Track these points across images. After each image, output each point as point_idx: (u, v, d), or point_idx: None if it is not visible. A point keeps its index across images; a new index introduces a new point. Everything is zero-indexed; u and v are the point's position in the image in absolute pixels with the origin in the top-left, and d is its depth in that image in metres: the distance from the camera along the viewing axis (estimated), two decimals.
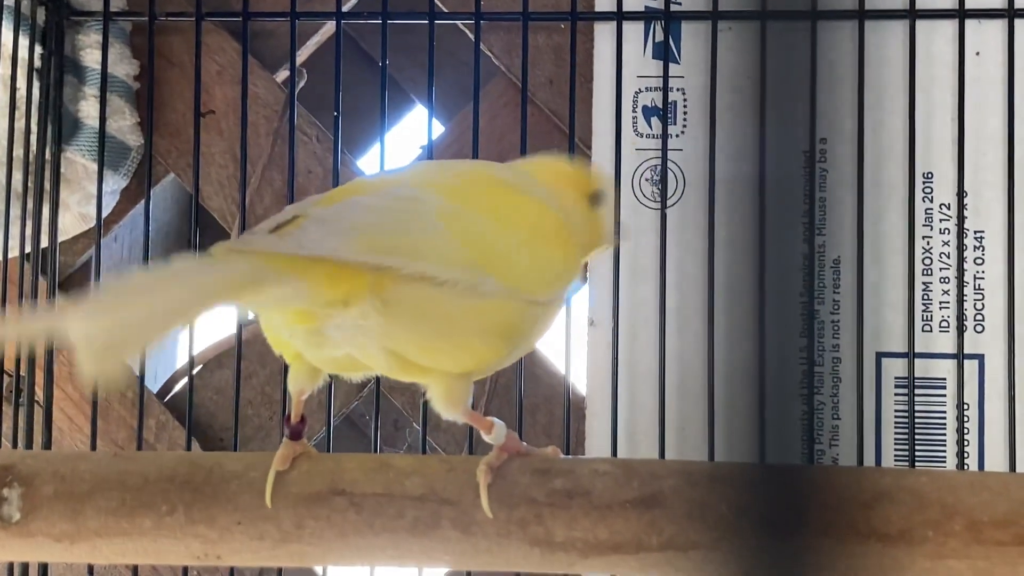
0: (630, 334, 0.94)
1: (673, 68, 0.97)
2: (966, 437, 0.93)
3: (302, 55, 1.05)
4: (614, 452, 0.91)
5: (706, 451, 0.88)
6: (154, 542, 0.66)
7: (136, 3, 1.03)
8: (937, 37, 0.96)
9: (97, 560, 0.70)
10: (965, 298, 0.94)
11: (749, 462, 0.78)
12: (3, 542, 0.67)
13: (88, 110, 1.00)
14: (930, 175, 0.95)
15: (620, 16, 0.96)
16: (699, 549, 0.64)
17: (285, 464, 0.66)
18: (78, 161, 1.00)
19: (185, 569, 0.97)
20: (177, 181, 1.07)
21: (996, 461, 0.92)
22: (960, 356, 0.92)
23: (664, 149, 0.95)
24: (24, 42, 0.97)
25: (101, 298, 0.54)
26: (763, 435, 0.95)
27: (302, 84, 1.02)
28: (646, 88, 0.97)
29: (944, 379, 0.94)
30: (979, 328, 0.94)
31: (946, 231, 0.95)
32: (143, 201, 0.99)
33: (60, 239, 1.00)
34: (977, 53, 0.95)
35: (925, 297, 0.94)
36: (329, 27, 1.06)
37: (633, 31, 0.97)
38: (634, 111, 0.97)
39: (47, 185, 0.98)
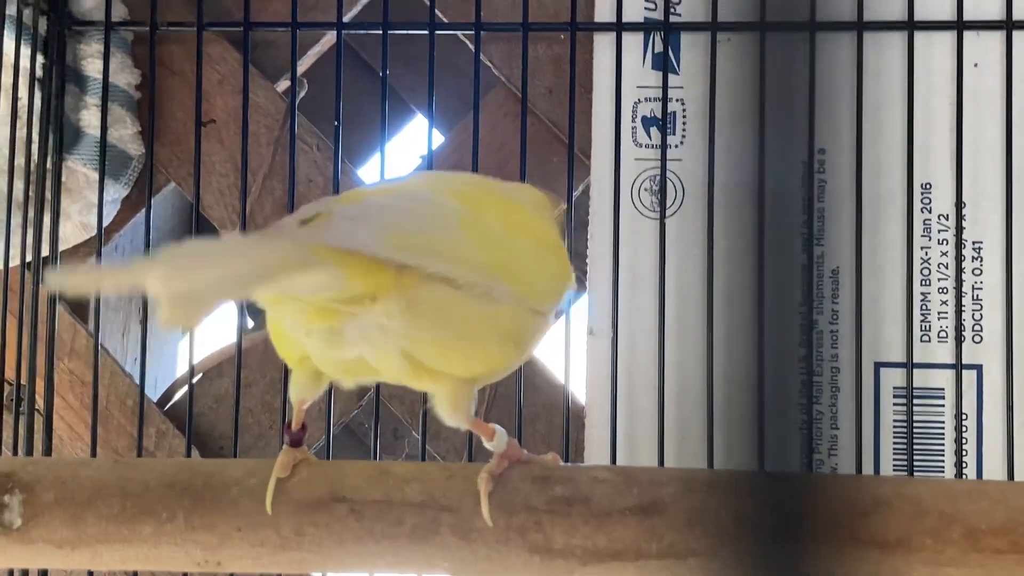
0: (629, 343, 0.94)
1: (672, 78, 0.97)
2: (964, 447, 0.93)
3: (303, 65, 1.06)
4: (613, 460, 0.91)
5: (705, 459, 0.88)
6: (154, 548, 0.67)
7: (138, 12, 1.03)
8: (935, 48, 0.96)
9: (98, 567, 0.70)
10: (963, 308, 0.94)
11: (748, 470, 0.78)
12: (4, 548, 0.67)
13: (89, 119, 1.01)
14: (928, 186, 0.95)
15: (620, 27, 0.96)
16: (698, 556, 0.64)
17: (286, 471, 0.67)
18: (79, 170, 1.01)
19: (185, 575, 0.97)
20: (178, 190, 1.08)
21: (994, 471, 0.93)
22: (958, 366, 0.93)
23: (663, 159, 0.96)
24: (26, 51, 0.98)
25: (172, 258, 0.54)
26: (762, 443, 0.95)
27: (303, 94, 1.02)
28: (645, 98, 0.98)
29: (943, 389, 0.94)
30: (977, 338, 0.94)
31: (944, 241, 0.95)
32: (144, 210, 1.00)
33: (61, 248, 1.00)
34: (975, 64, 0.95)
35: (923, 307, 0.94)
36: (330, 37, 1.06)
37: (633, 42, 0.98)
38: (633, 121, 0.97)
39: (48, 194, 0.98)
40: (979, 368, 0.94)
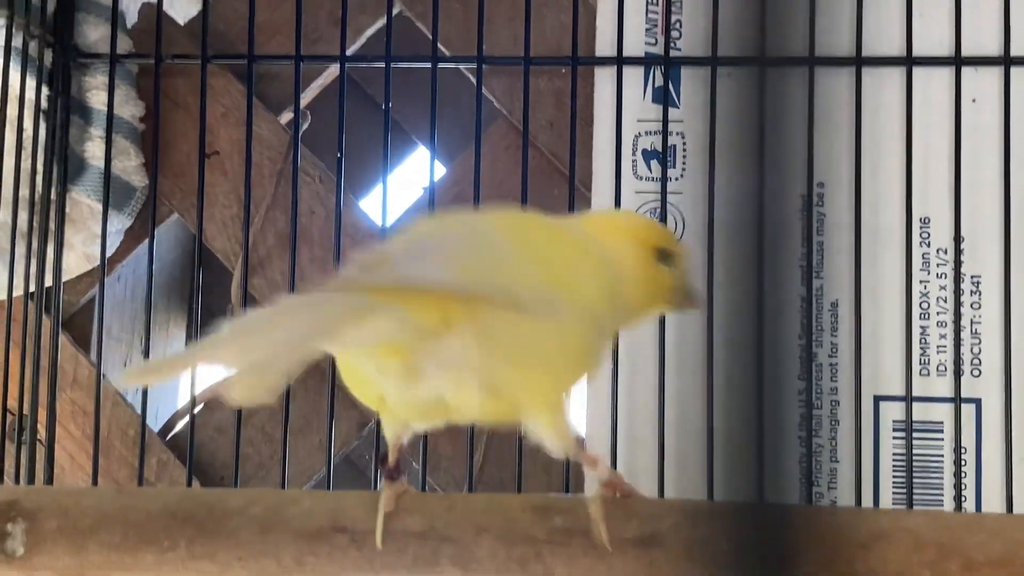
0: (629, 375, 0.95)
1: (672, 112, 0.98)
2: (964, 481, 0.93)
3: (306, 97, 1.06)
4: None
5: (705, 491, 0.88)
6: None
7: (142, 45, 1.04)
8: (934, 84, 0.97)
9: None
10: (962, 342, 0.94)
11: (748, 502, 0.78)
12: None
13: (94, 151, 1.01)
14: (927, 220, 0.96)
15: (620, 61, 0.97)
16: None
17: (391, 505, 0.67)
18: (83, 201, 1.01)
19: None
20: (181, 221, 1.08)
21: (994, 504, 0.93)
22: (957, 400, 0.93)
23: (663, 192, 0.96)
24: (31, 83, 0.98)
25: (235, 332, 0.55)
26: (762, 475, 0.95)
27: (306, 126, 1.03)
28: (646, 132, 0.98)
29: (941, 423, 0.94)
30: (976, 372, 0.95)
31: (943, 275, 0.96)
32: (147, 241, 1.00)
33: (64, 278, 1.00)
34: (973, 100, 0.96)
35: (922, 341, 0.95)
36: (333, 70, 1.07)
37: (633, 76, 0.98)
38: (634, 154, 0.98)
39: (52, 225, 0.99)
40: (978, 402, 0.94)
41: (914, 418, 0.92)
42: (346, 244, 1.00)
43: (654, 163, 0.98)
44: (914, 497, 0.92)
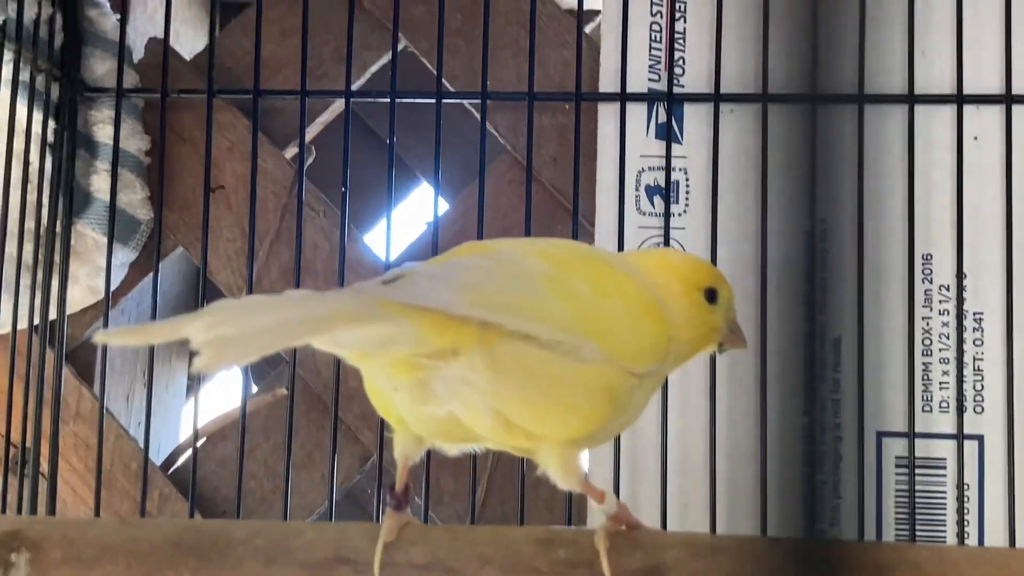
0: None
1: (676, 148, 0.98)
2: (966, 517, 0.93)
3: (311, 132, 1.07)
4: None
5: (708, 525, 0.88)
6: None
7: (149, 80, 1.05)
8: (936, 121, 0.97)
9: None
10: (964, 379, 0.94)
11: (751, 535, 0.79)
12: None
13: (99, 184, 1.02)
14: (929, 257, 0.96)
15: (624, 97, 0.98)
16: None
17: (392, 536, 0.66)
18: (88, 234, 1.01)
19: None
20: (185, 255, 1.08)
21: (996, 541, 0.92)
22: (960, 436, 0.93)
23: (666, 227, 0.96)
24: (38, 117, 0.99)
25: (223, 309, 0.55)
26: (765, 509, 0.95)
27: (310, 160, 1.03)
28: (649, 167, 0.99)
29: (944, 459, 0.94)
30: (979, 409, 0.95)
31: (945, 312, 0.96)
32: (151, 274, 1.00)
33: (69, 311, 1.01)
34: (975, 137, 0.96)
35: (925, 377, 0.95)
36: (338, 105, 1.07)
37: (636, 112, 0.99)
38: (637, 190, 0.98)
39: (57, 257, 0.99)
40: (980, 438, 0.94)
41: (917, 454, 0.92)
42: (350, 278, 1.00)
43: (657, 198, 0.98)
44: (917, 533, 0.92)
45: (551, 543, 0.66)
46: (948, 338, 0.95)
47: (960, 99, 0.96)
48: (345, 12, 1.00)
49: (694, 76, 0.99)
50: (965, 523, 0.93)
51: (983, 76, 0.97)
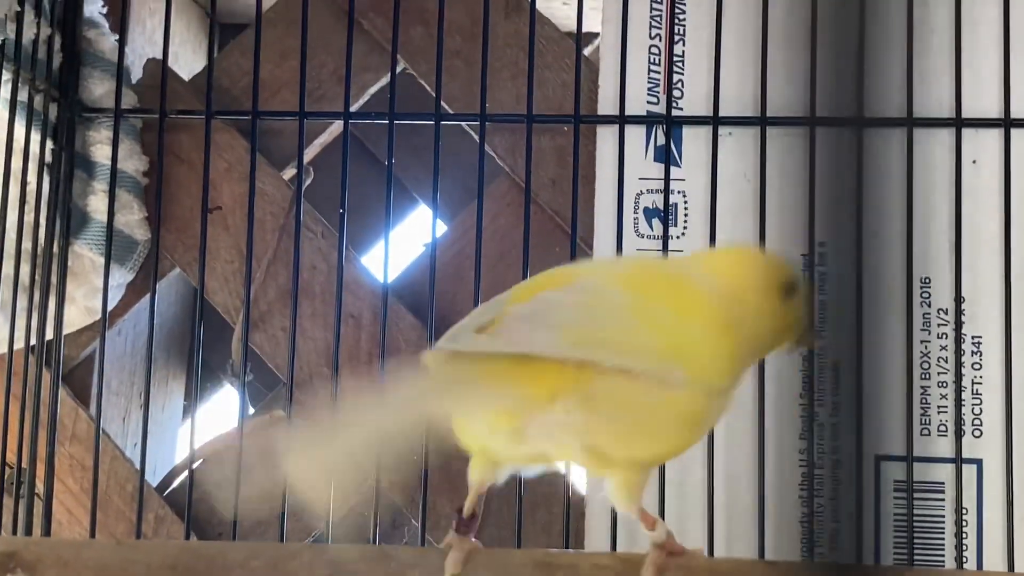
0: None
1: (674, 171, 0.98)
2: (965, 541, 0.93)
3: (309, 153, 1.07)
4: (614, 550, 0.90)
5: (706, 549, 0.88)
6: None
7: (147, 100, 1.05)
8: (934, 145, 0.97)
9: None
10: (963, 403, 0.94)
11: (748, 558, 0.78)
12: None
13: (96, 204, 1.02)
14: (928, 280, 0.96)
15: (622, 119, 0.98)
16: None
17: (458, 569, 0.66)
18: (85, 255, 1.01)
19: None
20: (182, 276, 1.08)
21: (995, 564, 0.92)
22: (958, 460, 0.92)
23: (665, 250, 0.96)
24: (36, 137, 0.99)
25: (322, 428, 0.57)
26: (763, 533, 0.94)
27: (309, 182, 1.03)
28: (647, 190, 0.99)
29: (943, 483, 0.94)
30: (977, 433, 0.94)
31: (944, 336, 0.95)
32: (148, 295, 1.00)
33: (65, 332, 1.00)
34: (974, 161, 0.96)
35: (923, 401, 0.95)
36: (336, 127, 1.07)
37: (635, 134, 0.99)
38: (635, 212, 0.98)
39: (54, 278, 0.99)
40: (979, 462, 0.94)
41: (915, 478, 0.92)
42: (347, 300, 1.00)
43: (655, 221, 0.98)
44: (915, 557, 0.92)
45: (550, 566, 0.66)
46: (947, 362, 0.95)
47: (959, 122, 0.96)
48: (344, 34, 1.00)
49: (693, 99, 0.99)
50: (964, 547, 0.93)
51: (981, 99, 0.97)
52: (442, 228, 1.08)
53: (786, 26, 0.97)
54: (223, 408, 1.24)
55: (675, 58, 1.00)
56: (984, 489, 0.94)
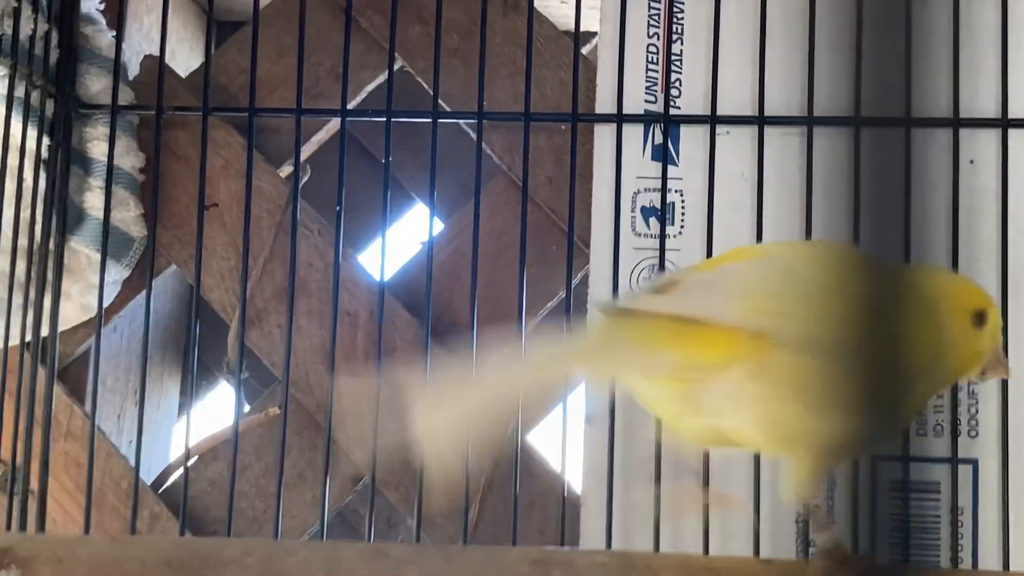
0: (626, 432, 0.94)
1: (672, 170, 0.98)
2: (960, 541, 0.93)
3: (306, 151, 1.07)
4: (609, 547, 0.90)
5: (701, 545, 0.88)
6: None
7: (144, 97, 1.04)
8: (932, 145, 0.97)
9: None
10: (959, 403, 0.94)
11: (744, 556, 0.78)
12: None
13: (93, 201, 1.01)
14: None
15: (620, 118, 0.98)
16: None
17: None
18: (81, 251, 1.01)
19: None
20: (178, 273, 1.08)
21: (990, 564, 0.92)
22: (954, 461, 0.92)
23: (662, 249, 0.96)
24: (32, 133, 0.98)
25: (458, 383, 0.57)
26: (758, 531, 0.94)
27: (305, 179, 1.03)
28: (645, 189, 0.99)
29: (938, 483, 0.94)
30: (973, 433, 0.94)
31: None
32: (144, 292, 1.00)
33: (61, 328, 1.00)
34: (971, 161, 0.96)
35: None
36: (333, 124, 1.07)
37: (633, 133, 0.99)
38: (633, 211, 0.98)
39: (49, 274, 0.99)
40: (975, 463, 0.94)
41: (911, 478, 0.92)
42: (344, 298, 1.00)
43: (653, 220, 0.98)
44: (910, 557, 0.92)
45: (546, 564, 0.66)
46: None
47: (956, 123, 0.95)
48: (341, 31, 1.00)
49: (690, 98, 0.99)
50: (959, 547, 0.93)
51: (979, 100, 0.97)
52: (439, 226, 1.08)
53: (784, 26, 0.97)
54: (219, 405, 1.24)
55: (673, 57, 1.00)
56: (980, 489, 0.94)
